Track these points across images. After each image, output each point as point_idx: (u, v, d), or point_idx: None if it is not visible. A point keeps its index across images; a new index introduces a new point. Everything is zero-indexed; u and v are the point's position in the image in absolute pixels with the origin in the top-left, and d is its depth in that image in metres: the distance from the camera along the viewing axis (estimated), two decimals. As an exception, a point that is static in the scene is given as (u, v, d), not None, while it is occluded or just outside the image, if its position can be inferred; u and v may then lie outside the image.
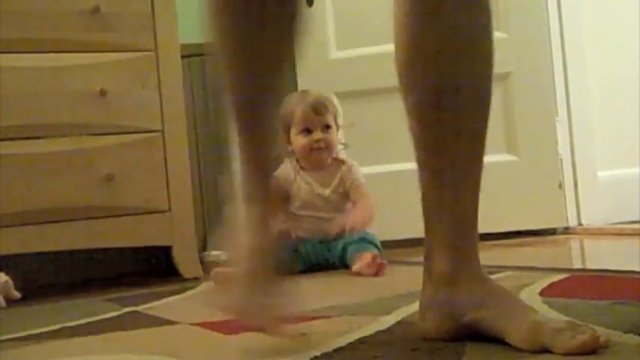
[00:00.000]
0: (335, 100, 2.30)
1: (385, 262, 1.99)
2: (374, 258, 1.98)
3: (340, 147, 2.31)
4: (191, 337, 1.30)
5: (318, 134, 2.19)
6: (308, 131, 2.20)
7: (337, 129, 2.25)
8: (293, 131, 2.23)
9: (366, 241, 2.13)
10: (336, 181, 2.22)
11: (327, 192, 2.21)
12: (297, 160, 2.27)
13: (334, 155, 2.26)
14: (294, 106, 2.22)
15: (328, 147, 2.20)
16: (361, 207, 2.19)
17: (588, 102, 2.86)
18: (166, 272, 2.50)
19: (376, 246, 2.15)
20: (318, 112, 2.19)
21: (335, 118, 2.25)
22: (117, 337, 1.35)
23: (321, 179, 2.23)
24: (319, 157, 2.21)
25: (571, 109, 2.81)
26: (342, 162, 2.26)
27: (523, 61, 2.64)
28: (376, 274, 1.95)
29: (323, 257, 2.19)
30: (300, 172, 2.24)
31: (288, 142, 2.25)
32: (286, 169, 2.25)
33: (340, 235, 2.16)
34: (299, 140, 2.21)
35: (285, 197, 2.24)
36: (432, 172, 1.05)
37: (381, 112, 2.76)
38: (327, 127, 2.21)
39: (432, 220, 1.05)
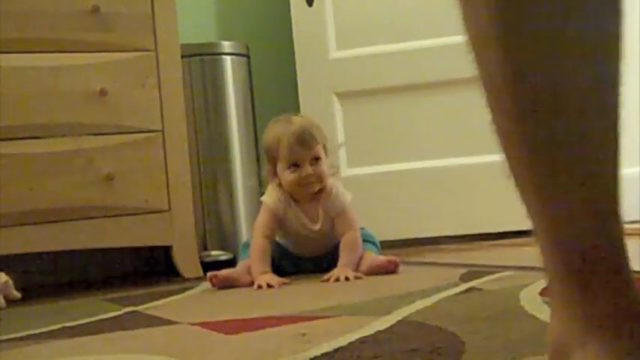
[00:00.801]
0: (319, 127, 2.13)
1: (397, 259, 1.98)
2: (389, 261, 1.97)
3: (333, 171, 2.16)
4: (191, 337, 1.30)
5: (307, 169, 2.03)
6: (296, 165, 2.04)
7: (327, 155, 2.10)
8: (280, 166, 2.07)
9: (365, 240, 2.12)
10: (322, 213, 2.10)
11: (317, 227, 2.10)
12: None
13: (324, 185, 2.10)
14: (279, 137, 2.05)
15: (319, 180, 2.06)
16: (347, 250, 2.04)
17: (588, 102, 2.86)
18: (166, 272, 2.51)
19: (375, 244, 2.15)
20: (305, 145, 2.03)
21: (324, 147, 2.09)
22: (117, 337, 1.35)
23: (310, 213, 2.10)
24: (311, 191, 2.07)
25: (571, 109, 2.81)
26: (332, 188, 2.09)
27: (523, 61, 2.64)
28: (393, 271, 1.95)
29: (322, 266, 2.16)
30: (292, 204, 2.10)
31: (275, 174, 2.10)
32: (275, 199, 2.09)
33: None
34: (287, 176, 2.05)
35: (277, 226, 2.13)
36: None
37: (381, 112, 2.77)
38: (316, 159, 2.05)
39: None
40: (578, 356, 0.62)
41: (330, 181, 2.10)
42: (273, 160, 2.08)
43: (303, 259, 2.18)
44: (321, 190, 2.08)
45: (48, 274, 2.57)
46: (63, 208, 2.19)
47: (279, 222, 2.10)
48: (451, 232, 2.74)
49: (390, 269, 1.95)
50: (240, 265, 2.09)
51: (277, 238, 2.15)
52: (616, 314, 0.62)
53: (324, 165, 2.07)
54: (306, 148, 2.03)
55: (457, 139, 2.72)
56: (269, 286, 1.90)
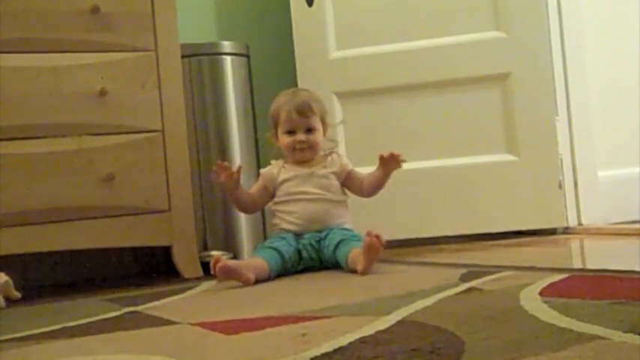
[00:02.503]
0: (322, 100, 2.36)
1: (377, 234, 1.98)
2: (371, 236, 1.97)
3: (332, 145, 2.39)
4: (191, 337, 1.30)
5: (300, 136, 2.26)
6: (292, 132, 2.27)
7: (325, 129, 2.32)
8: (279, 130, 2.30)
9: (356, 239, 2.13)
10: (324, 164, 2.29)
11: (310, 170, 2.27)
12: (285, 158, 2.34)
13: (319, 154, 2.32)
14: (281, 107, 2.28)
15: (311, 147, 2.28)
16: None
17: (588, 102, 2.86)
18: (166, 272, 2.51)
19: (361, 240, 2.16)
20: (301, 114, 2.25)
21: (322, 119, 2.31)
22: (117, 337, 1.35)
23: (308, 166, 2.29)
24: (302, 156, 2.28)
25: (571, 109, 2.81)
26: (329, 154, 2.33)
27: (523, 61, 2.64)
28: (382, 245, 1.96)
29: (320, 255, 2.19)
30: (285, 166, 2.30)
31: (277, 139, 2.32)
32: (271, 169, 2.32)
33: (331, 228, 2.20)
34: (284, 139, 2.28)
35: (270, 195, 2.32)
36: None
37: (381, 112, 2.77)
38: (310, 129, 2.27)
39: None
40: None
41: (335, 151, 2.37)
42: (276, 125, 2.31)
43: (302, 243, 2.18)
44: (322, 156, 2.31)
45: (48, 274, 2.57)
46: (63, 208, 2.20)
47: (274, 185, 2.29)
48: (451, 232, 2.74)
49: (377, 245, 1.95)
50: (248, 260, 2.11)
51: (278, 201, 2.29)
52: None
53: (319, 136, 2.29)
54: (302, 117, 2.25)
55: (457, 139, 2.72)
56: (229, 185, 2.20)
